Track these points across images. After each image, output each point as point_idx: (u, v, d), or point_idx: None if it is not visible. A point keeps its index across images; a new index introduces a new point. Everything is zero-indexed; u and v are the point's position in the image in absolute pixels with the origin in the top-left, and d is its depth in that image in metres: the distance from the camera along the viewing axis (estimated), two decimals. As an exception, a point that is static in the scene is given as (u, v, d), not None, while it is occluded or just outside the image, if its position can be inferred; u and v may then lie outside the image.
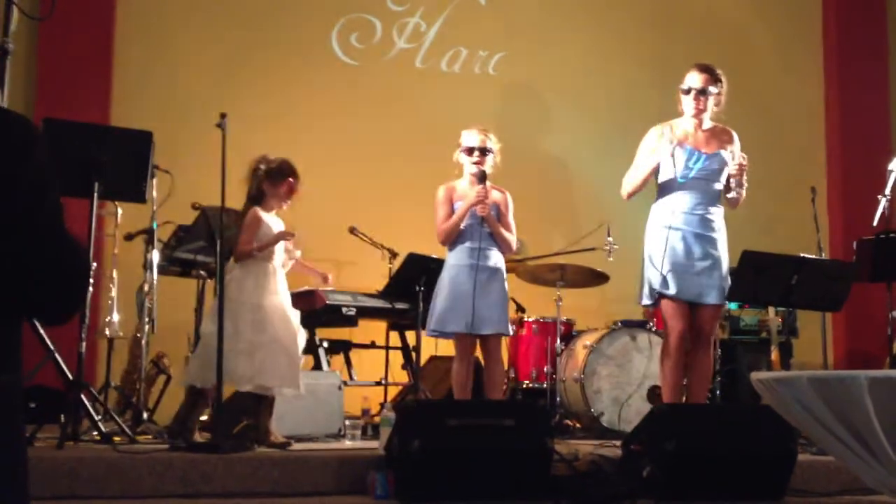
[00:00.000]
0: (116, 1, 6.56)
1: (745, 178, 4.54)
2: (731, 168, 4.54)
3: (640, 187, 4.64)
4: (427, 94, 7.04)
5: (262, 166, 4.41)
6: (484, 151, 4.68)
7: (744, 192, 4.56)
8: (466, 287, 4.54)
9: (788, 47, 7.80)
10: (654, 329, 5.52)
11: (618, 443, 4.35)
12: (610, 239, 5.68)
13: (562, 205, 7.09)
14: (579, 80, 7.33)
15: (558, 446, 4.02)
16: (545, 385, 5.64)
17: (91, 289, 4.50)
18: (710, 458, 3.85)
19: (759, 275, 4.47)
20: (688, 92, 4.57)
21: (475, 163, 4.68)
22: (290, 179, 4.42)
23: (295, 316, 4.39)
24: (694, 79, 4.57)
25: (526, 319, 5.86)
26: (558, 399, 5.57)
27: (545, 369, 5.68)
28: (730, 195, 4.58)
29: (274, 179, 4.39)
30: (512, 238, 4.73)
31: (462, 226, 4.64)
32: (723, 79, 4.62)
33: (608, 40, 7.40)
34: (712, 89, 4.57)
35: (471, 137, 4.72)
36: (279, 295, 4.35)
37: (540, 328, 5.77)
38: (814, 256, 4.93)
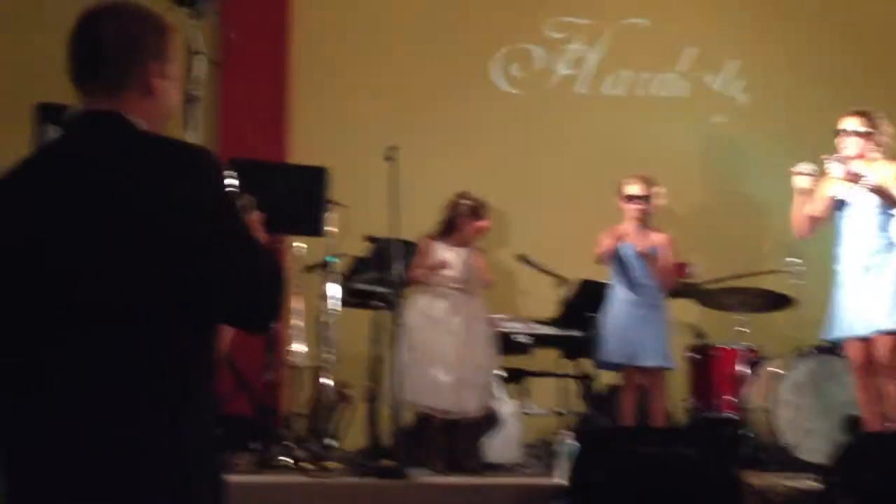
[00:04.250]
0: (291, 44, 6.85)
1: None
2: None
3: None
4: (590, 119, 6.96)
5: (465, 202, 4.67)
6: (643, 199, 4.92)
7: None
8: (626, 321, 4.81)
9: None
10: (845, 355, 5.20)
11: (810, 475, 4.12)
12: (795, 260, 5.41)
13: (739, 225, 6.82)
14: (749, 98, 7.06)
15: (748, 478, 3.84)
16: (730, 415, 5.39)
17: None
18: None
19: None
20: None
21: (635, 209, 4.92)
22: (486, 222, 4.62)
23: (484, 340, 4.51)
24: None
25: (707, 346, 5.65)
26: (745, 429, 5.32)
27: (729, 398, 5.44)
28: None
29: (473, 216, 4.65)
30: (670, 277, 4.97)
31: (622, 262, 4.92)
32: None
33: (775, 51, 7.09)
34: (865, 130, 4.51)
35: (631, 187, 4.95)
36: (454, 318, 4.49)
37: (723, 355, 5.55)
38: None
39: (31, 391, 1.56)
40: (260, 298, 1.60)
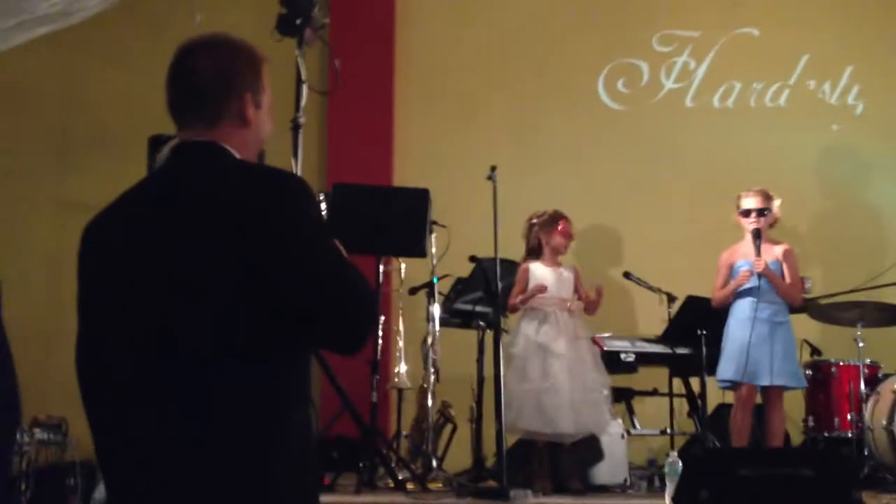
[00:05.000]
0: (395, 68, 6.98)
1: None
2: None
3: None
4: (699, 132, 6.84)
5: (535, 220, 4.72)
6: (761, 213, 4.81)
7: None
8: (744, 337, 4.65)
9: None
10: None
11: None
12: (915, 272, 5.18)
13: (857, 236, 6.55)
14: (864, 103, 6.79)
15: (872, 500, 3.67)
16: (850, 434, 5.17)
17: (381, 341, 4.75)
18: None
19: None
20: None
21: (752, 223, 4.80)
22: (562, 222, 4.62)
23: (591, 359, 4.50)
24: None
25: (823, 362, 5.44)
26: (867, 449, 5.08)
27: (849, 416, 5.21)
28: None
29: (548, 228, 4.66)
30: (794, 291, 4.84)
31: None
32: None
33: (889, 60, 6.80)
34: None
35: (748, 200, 4.86)
36: (559, 340, 4.49)
37: (840, 372, 5.32)
38: None
39: (125, 425, 1.60)
40: (352, 321, 1.62)
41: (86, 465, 4.35)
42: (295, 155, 4.18)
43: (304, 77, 4.23)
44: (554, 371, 4.53)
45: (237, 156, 1.74)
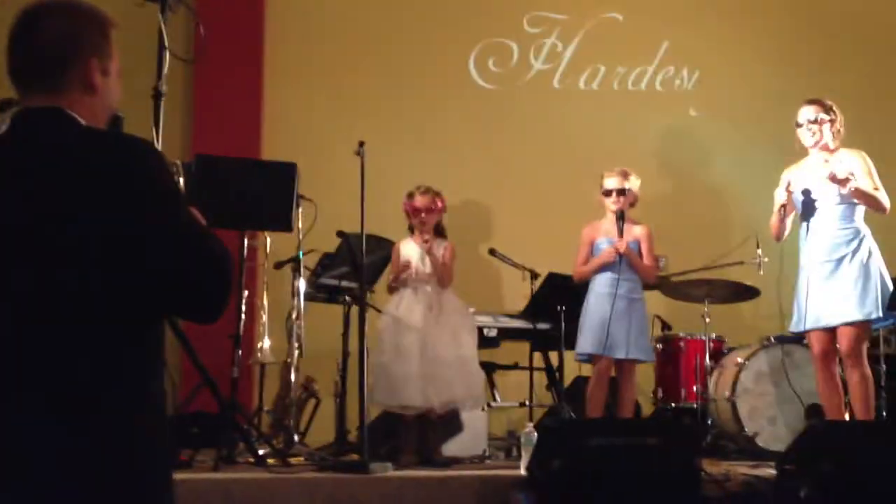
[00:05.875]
0: (264, 39, 6.86)
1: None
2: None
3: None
4: (565, 113, 7.01)
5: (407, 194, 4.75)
6: (621, 192, 4.97)
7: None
8: (604, 313, 4.82)
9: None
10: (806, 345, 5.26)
11: (771, 463, 4.16)
12: (759, 252, 5.47)
13: (707, 217, 6.88)
14: (721, 91, 7.11)
15: (710, 467, 3.89)
16: (695, 405, 5.45)
17: (244, 316, 4.70)
18: (869, 477, 3.61)
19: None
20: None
21: (614, 203, 4.98)
22: (407, 198, 4.80)
23: (461, 332, 4.58)
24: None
25: (673, 337, 5.71)
26: (710, 419, 5.38)
27: (695, 388, 5.50)
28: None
29: (405, 205, 4.70)
30: (651, 270, 5.05)
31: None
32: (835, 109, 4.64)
33: (751, 46, 7.15)
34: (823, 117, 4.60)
35: (609, 181, 5.03)
36: (426, 315, 4.55)
37: (688, 346, 5.60)
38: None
39: None
40: (207, 288, 1.62)
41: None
42: (156, 125, 4.07)
43: (166, 44, 4.11)
44: (406, 344, 4.56)
45: (83, 123, 1.70)
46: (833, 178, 4.37)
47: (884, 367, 5.34)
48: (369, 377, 4.40)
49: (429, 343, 4.55)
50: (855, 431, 4.05)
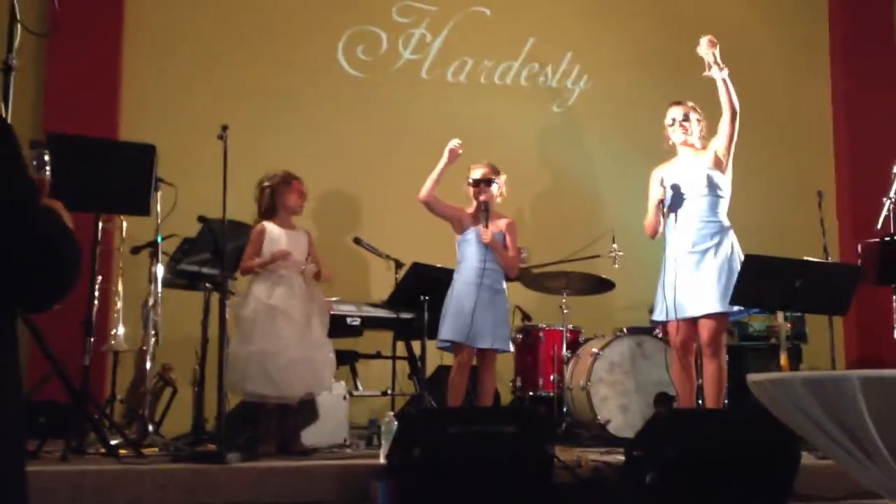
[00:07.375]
0: (124, 16, 6.63)
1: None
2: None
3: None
4: (433, 104, 7.06)
5: (267, 183, 4.72)
6: (488, 183, 5.08)
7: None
8: (468, 303, 4.88)
9: (795, 50, 7.76)
10: (659, 335, 5.50)
11: (623, 450, 4.33)
12: (615, 246, 5.68)
13: (567, 212, 7.07)
14: (584, 87, 7.32)
15: (564, 454, 4.01)
16: (552, 393, 5.62)
17: (97, 302, 4.53)
18: (712, 463, 3.82)
19: (762, 279, 4.44)
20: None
21: (480, 194, 5.04)
22: (295, 182, 4.72)
23: (320, 324, 4.58)
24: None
25: (532, 327, 5.85)
26: (566, 407, 5.55)
27: (552, 377, 5.66)
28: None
29: (282, 189, 4.66)
30: (515, 262, 5.13)
31: (469, 248, 5.05)
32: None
33: (613, 45, 7.39)
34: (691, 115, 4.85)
35: (476, 172, 5.12)
36: (293, 302, 4.50)
37: (546, 336, 5.76)
38: (817, 260, 4.91)
39: None
40: (39, 273, 1.47)
41: None
42: (6, 99, 3.88)
43: (18, 16, 3.93)
44: (285, 334, 4.49)
45: None
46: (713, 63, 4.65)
47: (727, 357, 5.62)
48: (242, 366, 4.34)
49: (305, 333, 4.54)
50: (699, 419, 4.25)
